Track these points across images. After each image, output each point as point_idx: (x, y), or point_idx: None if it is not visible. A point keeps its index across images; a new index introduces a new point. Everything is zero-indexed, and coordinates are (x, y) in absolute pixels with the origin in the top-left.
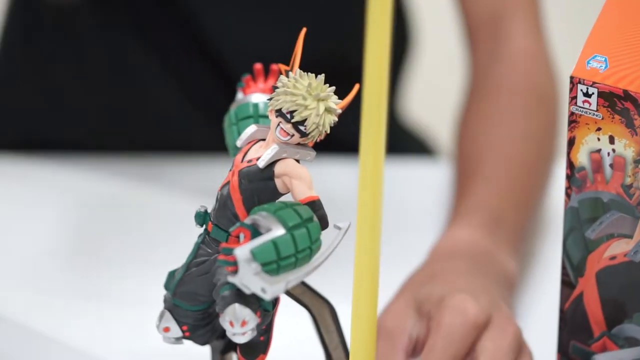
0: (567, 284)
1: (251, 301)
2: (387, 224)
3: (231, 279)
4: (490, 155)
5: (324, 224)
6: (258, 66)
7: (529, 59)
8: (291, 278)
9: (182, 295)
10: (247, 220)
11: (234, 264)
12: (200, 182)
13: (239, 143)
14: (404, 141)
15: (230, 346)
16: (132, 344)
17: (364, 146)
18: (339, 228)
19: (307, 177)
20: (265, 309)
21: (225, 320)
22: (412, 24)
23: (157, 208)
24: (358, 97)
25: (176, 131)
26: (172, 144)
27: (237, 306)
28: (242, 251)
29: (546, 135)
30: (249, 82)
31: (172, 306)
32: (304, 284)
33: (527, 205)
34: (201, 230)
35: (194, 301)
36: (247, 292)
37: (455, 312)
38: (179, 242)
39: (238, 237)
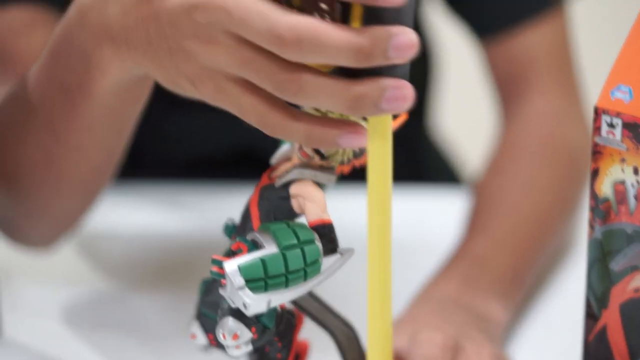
0: (591, 316)
1: (247, 316)
2: (414, 255)
3: (221, 291)
4: (493, 207)
5: (331, 248)
6: None
7: (546, 118)
8: (274, 297)
9: (207, 305)
10: (248, 236)
11: (224, 276)
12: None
13: (272, 160)
14: (434, 168)
15: None
16: None
17: (371, 168)
18: (340, 254)
19: (320, 200)
20: (264, 326)
21: (219, 332)
22: (434, 47)
23: (184, 236)
24: None
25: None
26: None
27: (230, 319)
28: (230, 265)
29: (561, 189)
30: None
31: (200, 314)
32: (326, 307)
33: (527, 252)
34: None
35: (217, 311)
36: (233, 305)
37: (425, 342)
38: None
39: (236, 251)
